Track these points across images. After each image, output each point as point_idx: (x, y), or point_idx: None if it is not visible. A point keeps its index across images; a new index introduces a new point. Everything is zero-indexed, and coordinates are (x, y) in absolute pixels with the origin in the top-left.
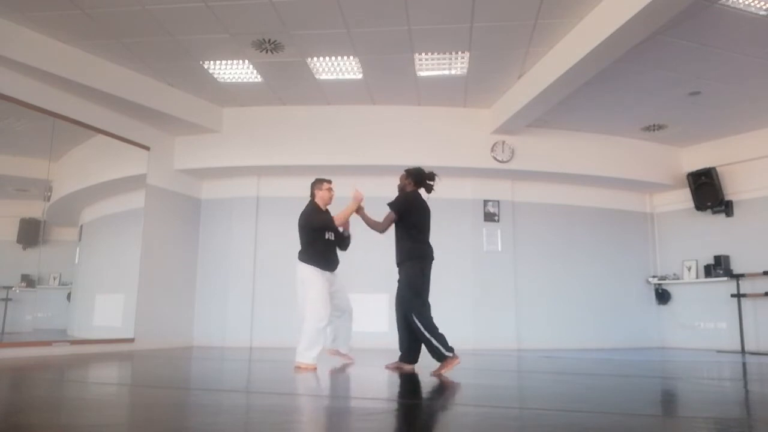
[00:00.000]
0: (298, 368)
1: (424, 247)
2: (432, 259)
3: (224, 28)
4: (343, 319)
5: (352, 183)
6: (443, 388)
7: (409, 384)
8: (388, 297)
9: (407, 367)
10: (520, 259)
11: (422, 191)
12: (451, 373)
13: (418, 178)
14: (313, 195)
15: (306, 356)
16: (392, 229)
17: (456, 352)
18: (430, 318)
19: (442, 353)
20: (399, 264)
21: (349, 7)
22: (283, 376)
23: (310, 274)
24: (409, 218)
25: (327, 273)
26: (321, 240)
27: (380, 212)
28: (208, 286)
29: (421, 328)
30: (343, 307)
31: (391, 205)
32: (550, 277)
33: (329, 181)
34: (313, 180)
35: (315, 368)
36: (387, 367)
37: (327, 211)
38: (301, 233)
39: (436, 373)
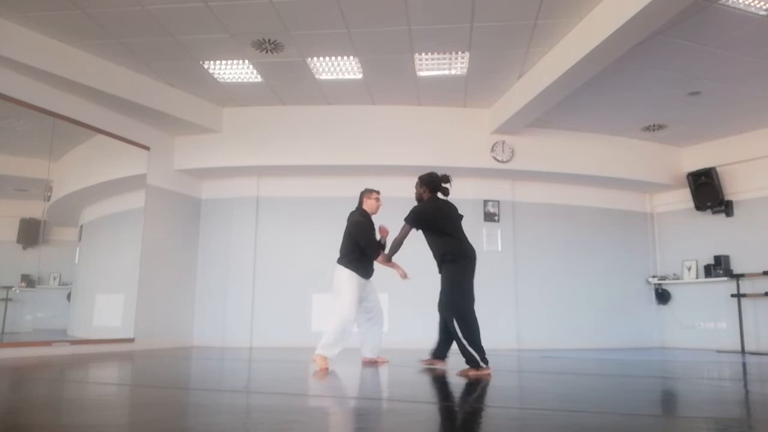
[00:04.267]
0: (314, 360)
1: (462, 246)
2: (474, 258)
3: (224, 28)
4: (374, 322)
5: (352, 183)
6: (443, 389)
7: (409, 384)
8: (388, 297)
9: (439, 363)
10: (520, 259)
11: (439, 195)
12: (451, 375)
13: (433, 185)
14: (361, 202)
15: (327, 351)
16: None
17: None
18: (472, 326)
19: (476, 361)
20: (440, 265)
21: (349, 7)
22: (282, 376)
23: (348, 277)
24: (435, 226)
25: (362, 280)
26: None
27: (385, 211)
28: (208, 286)
29: (459, 333)
30: (375, 309)
31: (405, 218)
32: (550, 277)
33: (378, 192)
34: (362, 190)
35: (327, 368)
36: (421, 362)
37: (373, 227)
38: (349, 239)
39: (463, 374)
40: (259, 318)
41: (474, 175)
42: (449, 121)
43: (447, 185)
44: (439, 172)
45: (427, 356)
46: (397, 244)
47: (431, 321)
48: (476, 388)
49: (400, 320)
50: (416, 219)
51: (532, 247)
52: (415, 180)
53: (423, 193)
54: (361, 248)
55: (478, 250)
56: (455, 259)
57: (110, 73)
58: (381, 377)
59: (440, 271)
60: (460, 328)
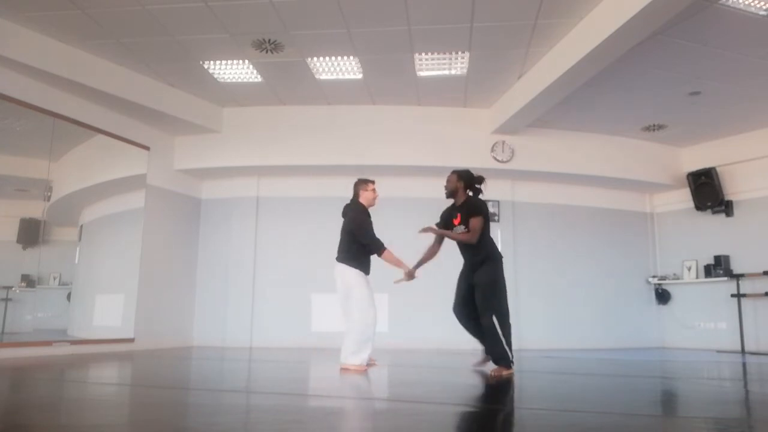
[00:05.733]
0: (346, 369)
1: (497, 247)
2: None
3: (224, 28)
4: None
5: (352, 183)
6: (443, 389)
7: (409, 384)
8: (387, 297)
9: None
10: (520, 259)
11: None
12: (451, 375)
13: (470, 182)
14: (356, 195)
15: (355, 359)
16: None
17: (474, 355)
18: (509, 325)
19: (509, 360)
20: (480, 264)
21: (349, 7)
22: (282, 376)
23: (358, 277)
24: (486, 220)
25: (367, 276)
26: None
27: (385, 211)
28: (208, 286)
29: (498, 330)
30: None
31: (475, 211)
32: (550, 277)
33: (373, 182)
34: (355, 180)
35: (365, 370)
36: (475, 364)
37: (371, 221)
38: (349, 235)
39: (496, 374)
40: (259, 318)
41: None
42: (449, 121)
43: (480, 186)
44: (476, 174)
45: (480, 357)
46: (472, 239)
47: (432, 321)
48: (476, 388)
49: (400, 320)
50: (485, 210)
51: (532, 247)
52: (415, 179)
53: (459, 188)
54: (363, 246)
55: None
56: (501, 259)
57: (110, 73)
58: (381, 377)
59: (482, 268)
60: (499, 324)
